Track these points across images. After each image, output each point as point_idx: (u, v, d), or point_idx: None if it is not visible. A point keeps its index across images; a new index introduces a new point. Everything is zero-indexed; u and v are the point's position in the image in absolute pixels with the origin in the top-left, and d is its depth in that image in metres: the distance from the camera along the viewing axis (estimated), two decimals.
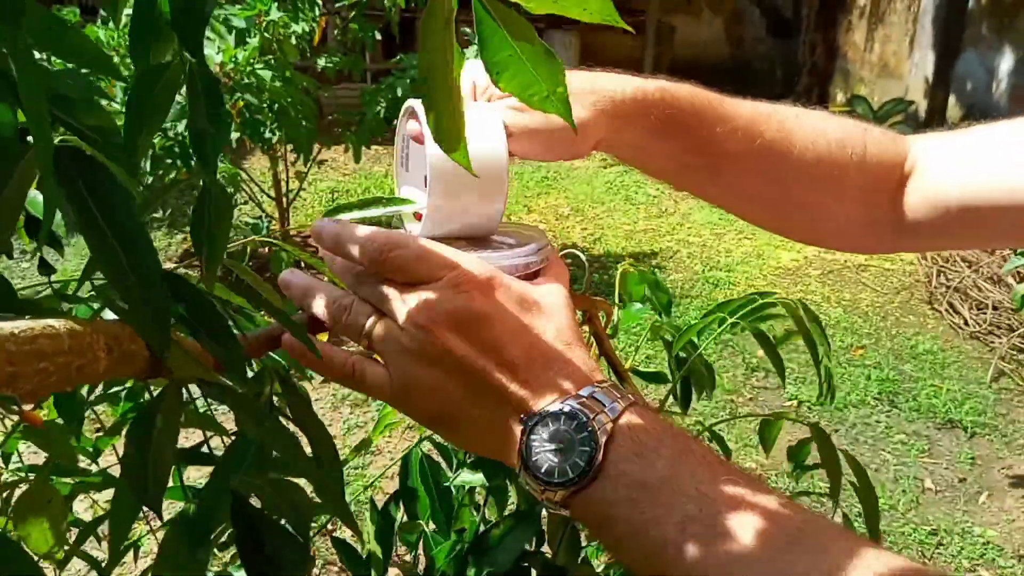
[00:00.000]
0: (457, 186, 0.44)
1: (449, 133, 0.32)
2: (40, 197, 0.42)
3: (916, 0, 6.87)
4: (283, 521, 0.41)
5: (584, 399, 0.36)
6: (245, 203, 3.46)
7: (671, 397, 0.72)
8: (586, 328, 0.57)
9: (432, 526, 0.67)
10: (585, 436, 0.35)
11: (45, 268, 0.54)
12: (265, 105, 2.67)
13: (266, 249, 2.98)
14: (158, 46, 0.32)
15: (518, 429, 0.37)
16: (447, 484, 0.68)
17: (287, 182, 3.61)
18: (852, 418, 2.82)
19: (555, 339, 0.39)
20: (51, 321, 0.30)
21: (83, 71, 0.37)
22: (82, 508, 0.97)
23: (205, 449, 0.49)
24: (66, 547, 0.60)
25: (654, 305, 0.72)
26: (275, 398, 0.45)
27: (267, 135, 2.76)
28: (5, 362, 0.28)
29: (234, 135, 2.83)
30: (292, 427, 0.42)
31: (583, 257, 0.47)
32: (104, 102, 0.35)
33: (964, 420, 2.87)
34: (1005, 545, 2.30)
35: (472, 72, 0.49)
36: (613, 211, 4.91)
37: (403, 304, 0.38)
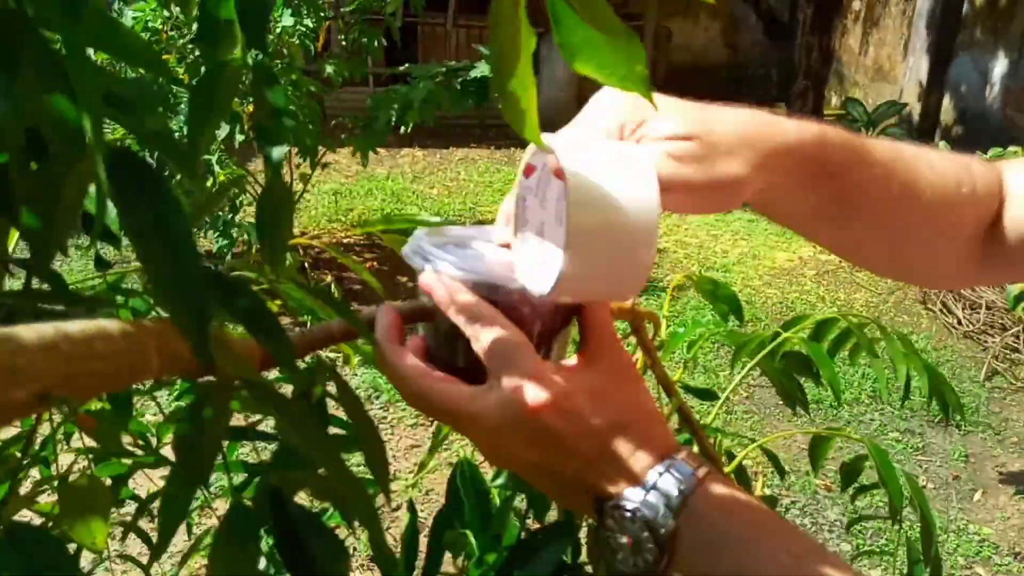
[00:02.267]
0: (598, 240, 0.36)
1: (520, 116, 0.31)
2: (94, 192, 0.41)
3: (911, 4, 6.94)
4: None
5: (645, 496, 0.38)
6: (250, 204, 3.50)
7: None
8: (632, 340, 0.56)
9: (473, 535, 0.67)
10: (648, 536, 0.37)
11: (101, 265, 0.57)
12: None
13: None
14: (223, 45, 0.33)
15: (594, 506, 0.39)
16: (484, 488, 0.69)
17: (291, 184, 3.66)
18: (847, 416, 2.86)
19: (623, 422, 0.40)
20: (104, 322, 0.30)
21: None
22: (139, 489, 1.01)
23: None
24: (119, 528, 0.62)
25: (716, 309, 0.74)
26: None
27: None
28: (61, 363, 0.27)
29: (239, 137, 2.89)
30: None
31: None
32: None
33: (957, 418, 2.91)
34: (1001, 543, 2.33)
35: (619, 108, 0.44)
36: None
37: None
